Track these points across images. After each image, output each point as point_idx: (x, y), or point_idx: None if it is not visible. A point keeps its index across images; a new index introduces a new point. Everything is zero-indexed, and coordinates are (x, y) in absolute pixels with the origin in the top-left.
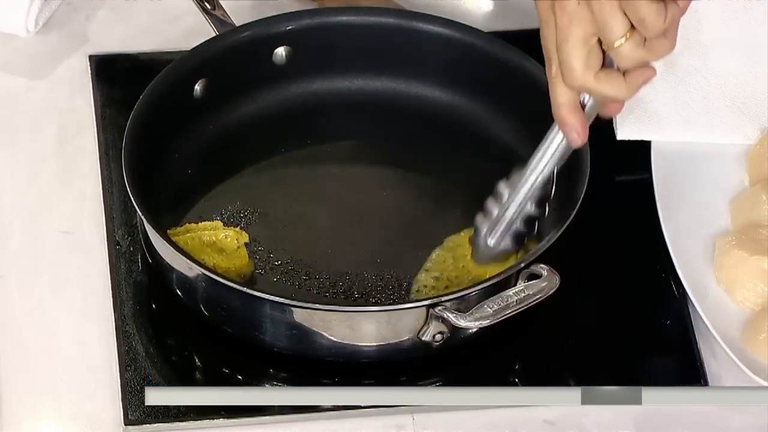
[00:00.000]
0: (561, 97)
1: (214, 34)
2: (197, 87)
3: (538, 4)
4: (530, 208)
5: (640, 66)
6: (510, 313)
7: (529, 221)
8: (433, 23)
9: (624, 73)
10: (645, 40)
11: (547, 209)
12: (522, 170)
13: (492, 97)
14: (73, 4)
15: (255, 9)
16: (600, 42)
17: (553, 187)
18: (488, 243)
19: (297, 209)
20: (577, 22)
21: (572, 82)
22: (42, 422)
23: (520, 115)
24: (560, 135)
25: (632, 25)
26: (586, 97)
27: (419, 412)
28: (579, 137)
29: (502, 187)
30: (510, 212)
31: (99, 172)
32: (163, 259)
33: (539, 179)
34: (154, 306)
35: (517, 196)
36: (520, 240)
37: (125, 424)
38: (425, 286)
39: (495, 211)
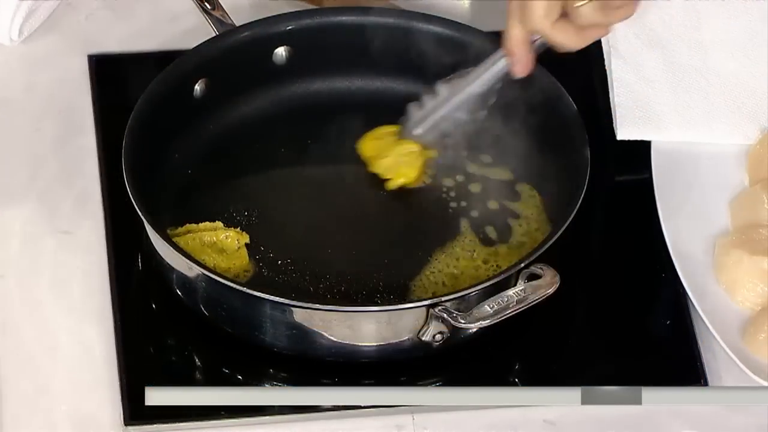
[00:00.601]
0: (514, 31)
1: (214, 34)
2: (197, 87)
3: None
4: (460, 113)
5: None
6: (510, 313)
7: (455, 123)
8: (432, 23)
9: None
10: (603, 4)
11: (477, 118)
12: (463, 78)
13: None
14: (72, 4)
15: (255, 9)
16: None
17: (488, 102)
18: (415, 131)
19: (297, 209)
20: None
21: (530, 24)
22: (42, 422)
23: (519, 114)
24: (504, 60)
25: None
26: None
27: (419, 412)
28: (523, 69)
29: (441, 87)
30: (441, 111)
31: (99, 172)
32: (163, 259)
33: (475, 91)
34: (154, 306)
35: (453, 99)
36: (442, 137)
37: (125, 424)
38: (425, 286)
39: (429, 104)
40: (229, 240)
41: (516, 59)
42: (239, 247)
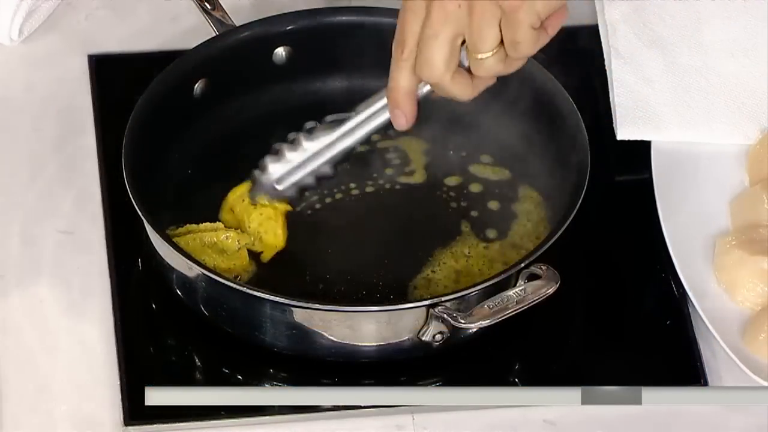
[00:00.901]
0: (404, 82)
1: (214, 34)
2: (197, 87)
3: None
4: (326, 168)
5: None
6: (510, 313)
7: (320, 177)
8: None
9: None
10: (506, 56)
11: (336, 171)
12: (330, 131)
13: (491, 95)
14: (72, 4)
15: (255, 9)
16: (463, 42)
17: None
18: (276, 185)
19: (297, 209)
20: (452, 22)
21: (429, 76)
22: (42, 422)
23: (518, 114)
24: (385, 113)
25: (501, 40)
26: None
27: (419, 412)
28: (406, 123)
29: (304, 139)
30: (308, 167)
31: (99, 172)
32: (163, 259)
33: (349, 145)
34: (154, 306)
35: (322, 154)
36: (302, 191)
37: (125, 424)
38: (425, 286)
39: (290, 156)
40: (230, 240)
41: (400, 111)
42: (239, 248)
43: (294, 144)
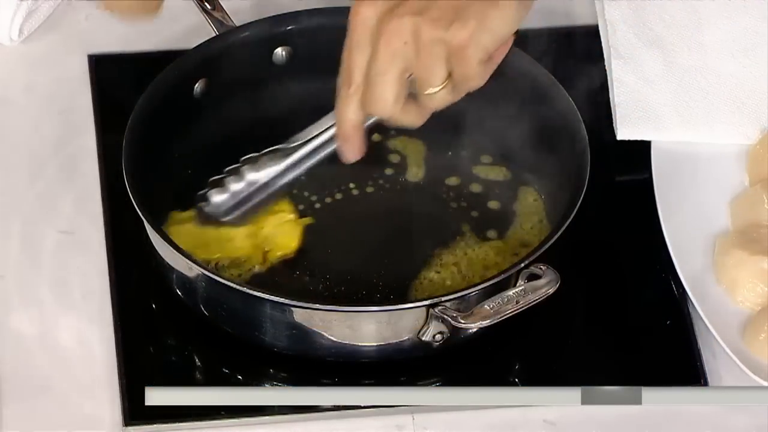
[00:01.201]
0: (352, 115)
1: (214, 34)
2: (197, 87)
3: (354, 24)
4: (271, 198)
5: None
6: (510, 313)
7: (266, 203)
8: None
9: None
10: (454, 86)
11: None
12: (275, 161)
13: (490, 95)
14: (72, 4)
15: (255, 9)
16: (409, 75)
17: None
18: (220, 215)
19: (297, 209)
20: (400, 59)
21: (380, 111)
22: (42, 422)
23: (518, 114)
24: (332, 144)
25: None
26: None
27: (419, 412)
28: (356, 155)
29: (247, 171)
30: (255, 198)
31: (99, 172)
32: (163, 259)
33: (294, 175)
34: (154, 306)
35: (268, 185)
36: (243, 217)
37: (125, 424)
38: (426, 286)
39: (234, 188)
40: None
41: (350, 145)
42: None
43: (238, 175)
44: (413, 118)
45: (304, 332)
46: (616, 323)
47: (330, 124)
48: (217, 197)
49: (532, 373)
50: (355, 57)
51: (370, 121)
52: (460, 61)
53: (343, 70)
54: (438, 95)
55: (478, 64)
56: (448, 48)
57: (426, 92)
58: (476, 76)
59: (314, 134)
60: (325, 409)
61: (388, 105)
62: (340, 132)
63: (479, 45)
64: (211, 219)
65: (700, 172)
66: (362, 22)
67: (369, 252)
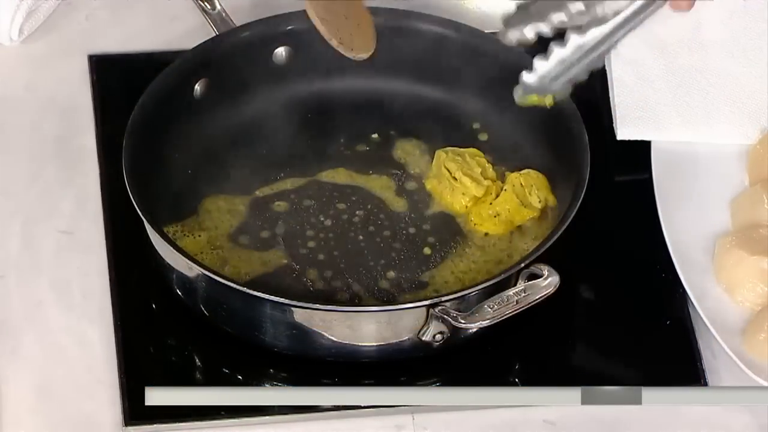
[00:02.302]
0: None
1: (214, 34)
2: (197, 87)
3: None
4: (595, 59)
5: None
6: (510, 313)
7: (587, 69)
8: (432, 23)
9: None
10: None
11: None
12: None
13: (492, 96)
14: (72, 4)
15: (255, 9)
16: None
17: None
18: (547, 84)
19: (297, 209)
20: None
21: None
22: (42, 422)
23: (518, 114)
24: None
25: None
26: None
27: (419, 412)
28: (689, 5)
29: (572, 35)
30: (583, 61)
31: (99, 172)
32: (163, 259)
33: (616, 39)
34: (154, 306)
35: (594, 49)
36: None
37: (125, 424)
38: (426, 286)
39: (559, 54)
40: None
41: None
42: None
43: (563, 42)
44: None
45: (304, 332)
46: (616, 323)
47: None
48: (543, 64)
49: (532, 373)
50: None
51: None
52: None
53: None
54: None
55: None
56: None
57: None
58: None
59: None
60: (325, 409)
61: None
62: None
63: None
64: (534, 88)
65: (700, 172)
66: None
67: (369, 252)
